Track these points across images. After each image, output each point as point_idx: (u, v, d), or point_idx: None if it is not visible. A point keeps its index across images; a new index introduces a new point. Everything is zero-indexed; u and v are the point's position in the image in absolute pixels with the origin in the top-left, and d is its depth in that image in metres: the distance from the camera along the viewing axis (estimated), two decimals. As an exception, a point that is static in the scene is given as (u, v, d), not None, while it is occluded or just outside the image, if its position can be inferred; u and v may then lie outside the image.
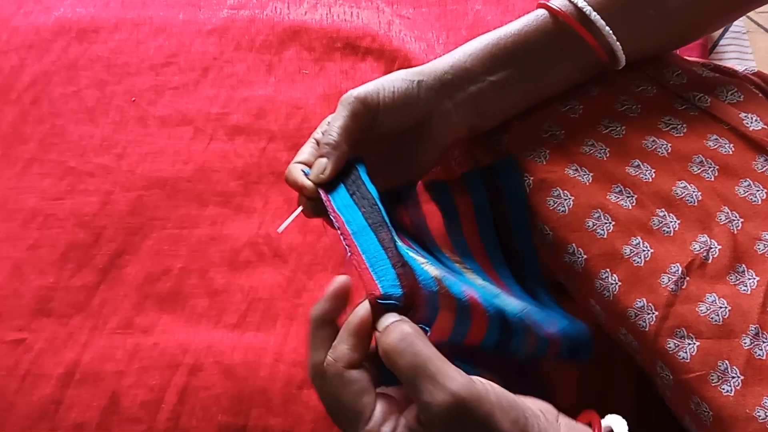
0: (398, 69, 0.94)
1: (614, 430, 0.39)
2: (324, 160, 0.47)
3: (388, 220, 0.43)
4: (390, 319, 0.37)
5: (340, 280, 0.40)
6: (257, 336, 0.72)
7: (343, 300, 0.40)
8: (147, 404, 0.68)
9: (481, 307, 0.43)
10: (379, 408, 0.36)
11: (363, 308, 0.38)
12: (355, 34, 0.96)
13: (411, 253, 0.42)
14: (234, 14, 0.99)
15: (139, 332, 0.72)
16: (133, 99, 0.91)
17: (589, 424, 0.40)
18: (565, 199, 0.50)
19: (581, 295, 0.52)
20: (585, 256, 0.48)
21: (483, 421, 0.35)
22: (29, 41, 0.96)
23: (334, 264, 0.76)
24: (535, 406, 0.38)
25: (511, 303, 0.46)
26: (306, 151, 0.50)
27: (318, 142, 0.50)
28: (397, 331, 0.36)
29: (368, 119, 0.48)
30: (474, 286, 0.47)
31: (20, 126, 0.88)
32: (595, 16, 0.50)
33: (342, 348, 0.37)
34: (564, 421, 0.38)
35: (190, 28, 0.98)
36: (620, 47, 0.51)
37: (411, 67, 0.90)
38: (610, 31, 0.50)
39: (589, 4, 0.50)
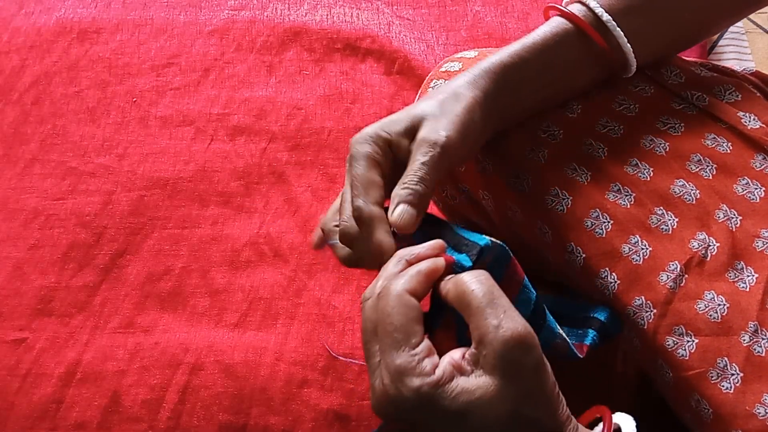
0: (398, 70, 0.96)
1: (622, 429, 0.39)
2: (410, 209, 0.42)
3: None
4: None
5: (440, 262, 0.40)
6: (258, 335, 0.72)
7: (433, 276, 0.39)
8: (148, 403, 0.68)
9: (519, 277, 0.43)
10: (426, 342, 0.37)
11: (440, 259, 0.40)
12: (355, 35, 0.96)
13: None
14: (235, 15, 1.00)
15: (140, 331, 0.73)
16: (135, 99, 0.91)
17: (597, 419, 0.40)
18: (564, 199, 0.50)
19: (581, 292, 0.52)
20: (584, 255, 0.48)
21: (536, 370, 0.36)
22: (30, 42, 0.97)
23: (335, 263, 0.76)
24: None
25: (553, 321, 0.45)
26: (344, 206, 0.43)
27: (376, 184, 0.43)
28: (474, 270, 0.38)
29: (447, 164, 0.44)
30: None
31: (21, 126, 0.89)
32: (612, 25, 0.49)
33: (408, 277, 0.38)
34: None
35: (191, 29, 0.98)
36: (633, 56, 0.50)
37: (410, 67, 0.92)
38: (626, 41, 0.50)
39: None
